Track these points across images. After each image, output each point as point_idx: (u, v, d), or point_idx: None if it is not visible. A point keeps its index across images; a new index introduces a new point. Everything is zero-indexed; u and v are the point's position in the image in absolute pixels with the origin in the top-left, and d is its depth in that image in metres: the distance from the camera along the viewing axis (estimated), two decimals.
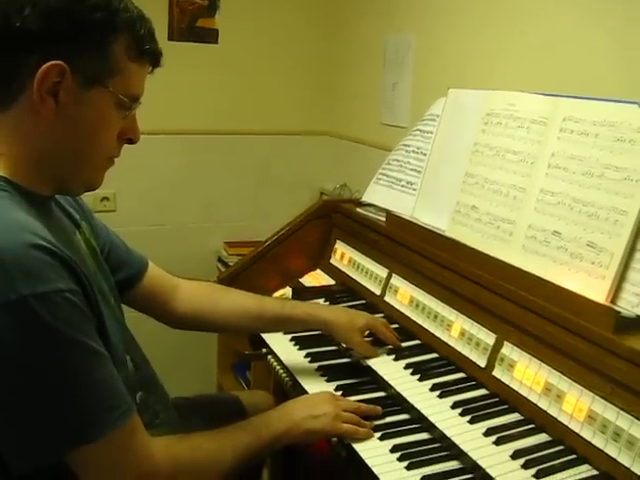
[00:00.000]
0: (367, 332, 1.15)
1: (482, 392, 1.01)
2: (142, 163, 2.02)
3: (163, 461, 0.74)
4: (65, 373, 0.64)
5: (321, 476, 1.33)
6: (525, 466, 0.83)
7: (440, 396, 1.01)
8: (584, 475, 0.80)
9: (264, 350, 1.27)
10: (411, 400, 1.01)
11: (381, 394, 1.08)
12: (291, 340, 1.28)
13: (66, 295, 0.64)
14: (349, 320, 1.12)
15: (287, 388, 1.14)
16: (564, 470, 0.81)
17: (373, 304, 1.33)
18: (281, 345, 1.26)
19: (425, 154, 1.34)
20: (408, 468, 0.87)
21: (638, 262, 0.88)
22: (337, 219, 1.53)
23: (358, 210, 1.48)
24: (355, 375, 1.13)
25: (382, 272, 1.35)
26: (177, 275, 1.09)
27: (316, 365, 1.18)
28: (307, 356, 1.22)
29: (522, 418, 0.94)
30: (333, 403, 0.96)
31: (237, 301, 1.09)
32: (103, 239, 0.94)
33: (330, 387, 1.09)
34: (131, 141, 0.76)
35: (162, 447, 0.75)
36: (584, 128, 0.99)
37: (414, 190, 1.36)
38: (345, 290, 1.42)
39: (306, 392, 1.06)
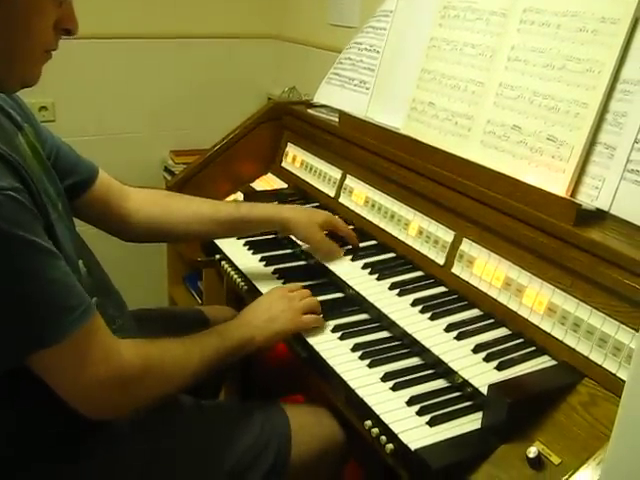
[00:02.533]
0: (326, 231, 1.10)
1: (441, 289, 0.99)
2: (82, 69, 1.87)
3: (133, 358, 0.72)
4: (17, 274, 0.59)
5: (280, 381, 1.31)
6: (487, 359, 0.81)
7: (399, 294, 0.98)
8: (543, 365, 0.79)
9: (217, 256, 1.22)
10: (370, 299, 0.98)
11: (339, 295, 1.06)
12: (245, 245, 1.23)
13: (9, 193, 0.59)
14: (308, 216, 1.07)
15: (242, 293, 1.11)
16: (524, 362, 0.80)
17: (327, 206, 1.27)
18: (235, 250, 1.20)
19: (378, 52, 1.27)
20: (370, 366, 0.85)
21: (598, 155, 0.85)
22: (288, 121, 1.45)
23: (309, 111, 1.41)
24: (312, 277, 1.09)
25: (336, 173, 1.30)
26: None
27: (272, 269, 1.14)
28: (262, 260, 1.17)
29: (482, 313, 0.91)
30: (287, 297, 0.94)
31: (191, 206, 1.04)
32: (49, 144, 0.87)
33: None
34: (69, 32, 0.68)
35: (130, 346, 0.73)
36: (545, 19, 0.93)
37: (367, 89, 1.29)
38: (298, 193, 1.36)
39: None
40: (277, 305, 0.93)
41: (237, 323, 0.90)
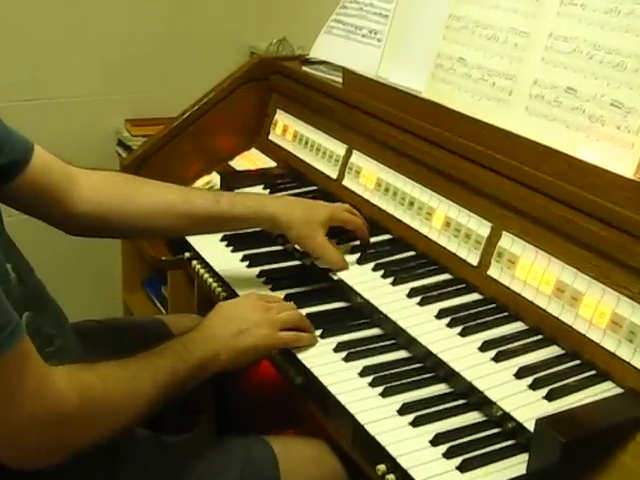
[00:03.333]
0: (328, 228, 1.11)
1: (474, 297, 1.00)
2: (10, 15, 1.83)
3: (67, 390, 0.71)
4: None
5: (266, 414, 1.29)
6: (533, 386, 0.81)
7: (421, 303, 0.98)
8: (606, 394, 0.78)
9: (187, 254, 1.23)
10: (383, 310, 0.98)
11: (344, 304, 1.07)
12: (223, 240, 1.24)
13: None
14: (306, 213, 1.08)
15: (219, 300, 1.11)
16: (581, 390, 0.79)
17: (328, 191, 1.30)
18: (210, 247, 1.22)
19: None
20: (383, 395, 0.85)
21: None
22: (277, 82, 1.47)
23: (305, 69, 1.46)
24: (310, 281, 1.11)
25: (339, 148, 1.31)
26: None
27: (257, 270, 1.15)
28: (245, 259, 1.19)
29: (527, 328, 0.92)
30: (262, 307, 0.96)
31: (156, 195, 1.05)
32: None
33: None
34: None
35: (63, 374, 0.72)
36: None
37: (379, 41, 1.30)
38: (290, 174, 1.38)
39: None
40: (250, 315, 0.94)
41: (197, 336, 0.91)
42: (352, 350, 0.94)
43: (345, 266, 1.09)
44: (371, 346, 0.96)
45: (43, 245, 1.12)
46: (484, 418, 0.81)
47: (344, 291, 1.08)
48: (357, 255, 1.12)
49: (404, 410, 0.82)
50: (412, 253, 1.12)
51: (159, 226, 1.06)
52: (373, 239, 1.16)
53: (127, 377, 0.80)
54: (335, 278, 1.09)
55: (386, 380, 0.87)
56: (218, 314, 0.95)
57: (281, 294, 1.08)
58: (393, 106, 1.18)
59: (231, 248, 1.22)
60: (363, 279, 1.06)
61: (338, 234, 1.13)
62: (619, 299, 0.82)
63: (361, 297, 1.03)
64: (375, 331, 1.00)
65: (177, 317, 1.30)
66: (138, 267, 2.13)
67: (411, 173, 1.16)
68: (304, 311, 1.03)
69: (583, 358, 0.84)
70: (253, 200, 1.09)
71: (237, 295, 1.08)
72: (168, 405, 0.85)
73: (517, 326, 0.92)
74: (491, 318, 0.94)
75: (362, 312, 1.04)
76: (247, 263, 1.18)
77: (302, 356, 0.94)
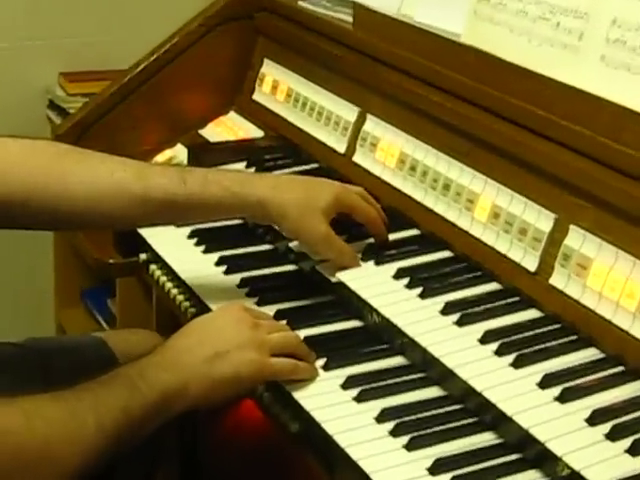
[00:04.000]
0: (333, 214, 1.13)
1: (532, 314, 1.00)
2: None
3: None
4: None
5: (247, 471, 1.31)
6: (612, 436, 0.80)
7: (460, 323, 0.99)
8: None
9: (143, 256, 1.26)
10: (409, 331, 0.99)
11: (355, 323, 1.08)
12: (191, 237, 1.25)
13: None
14: (305, 195, 1.10)
15: (187, 319, 1.12)
16: None
17: (333, 169, 1.32)
18: (174, 245, 1.23)
19: None
20: (409, 448, 0.86)
21: None
22: (264, 22, 1.53)
23: (302, 4, 1.48)
24: (307, 293, 1.12)
25: (348, 112, 1.32)
26: None
27: (237, 278, 1.16)
28: (221, 263, 1.19)
29: (603, 356, 0.92)
30: (248, 322, 0.98)
31: (100, 172, 1.07)
32: None
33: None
34: None
35: None
36: None
37: None
38: (282, 147, 1.40)
39: None
40: (231, 333, 0.96)
41: (159, 361, 0.92)
42: (366, 387, 0.94)
43: (353, 262, 1.12)
44: (392, 381, 0.96)
45: None
46: (546, 479, 0.81)
47: (355, 306, 1.09)
48: (372, 258, 1.12)
49: (437, 468, 0.82)
50: (447, 254, 1.13)
51: (102, 214, 1.07)
52: (394, 235, 1.16)
53: (61, 416, 0.81)
54: (343, 288, 1.10)
55: (413, 427, 0.87)
56: (187, 331, 0.97)
57: (270, 310, 1.09)
58: (421, 54, 1.20)
59: (202, 247, 1.23)
60: (381, 290, 1.07)
61: (346, 229, 1.14)
62: None
63: (378, 314, 1.04)
64: (397, 361, 1.01)
65: (122, 334, 1.32)
66: (76, 274, 2.14)
67: (446, 146, 1.16)
68: (301, 333, 1.04)
69: None
70: (232, 179, 1.10)
71: (209, 309, 1.10)
72: (118, 455, 0.86)
73: (590, 354, 0.93)
74: (555, 343, 0.94)
75: (379, 335, 1.05)
76: (224, 268, 1.18)
77: (299, 394, 0.94)
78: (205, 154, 1.41)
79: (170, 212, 1.10)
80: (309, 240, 1.11)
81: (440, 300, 1.03)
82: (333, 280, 1.12)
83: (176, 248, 1.23)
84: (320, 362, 1.00)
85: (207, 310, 1.11)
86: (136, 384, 0.88)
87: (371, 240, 1.16)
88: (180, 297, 1.16)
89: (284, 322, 1.05)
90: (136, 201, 1.06)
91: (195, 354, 0.93)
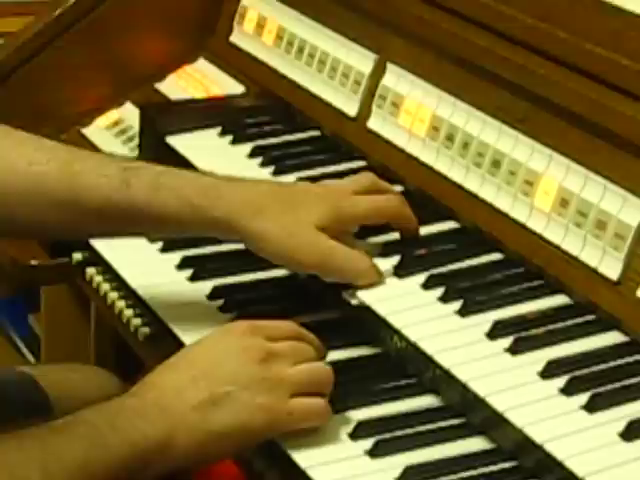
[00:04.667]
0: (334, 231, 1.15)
1: (615, 338, 1.01)
2: None
3: None
4: None
5: None
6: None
7: (514, 349, 1.00)
8: None
9: (78, 256, 1.29)
10: (444, 361, 1.00)
11: (370, 350, 1.10)
12: None
13: None
14: (290, 209, 1.14)
15: (137, 343, 1.17)
16: None
17: (340, 139, 1.34)
18: (120, 242, 1.24)
19: None
20: None
21: None
22: None
23: None
24: (305, 308, 1.15)
25: (361, 61, 1.33)
26: None
27: (207, 287, 1.19)
28: (185, 266, 1.23)
29: None
30: (260, 351, 0.98)
31: (14, 162, 1.09)
32: None
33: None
34: None
35: None
36: None
37: None
38: (269, 107, 1.46)
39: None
40: (235, 368, 0.96)
41: (134, 405, 0.93)
42: (384, 436, 0.95)
43: (374, 278, 1.12)
44: (419, 429, 0.97)
45: None
46: None
47: (371, 326, 1.11)
48: (393, 260, 1.15)
49: None
50: (496, 256, 1.15)
51: (13, 219, 1.09)
52: (425, 229, 1.18)
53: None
54: (354, 303, 1.11)
55: None
56: (176, 364, 0.98)
57: None
58: None
59: (159, 245, 1.24)
60: (405, 304, 1.09)
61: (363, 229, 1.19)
62: None
63: (401, 338, 1.05)
64: (427, 401, 1.02)
65: (58, 371, 1.32)
66: None
67: (496, 107, 1.18)
68: (304, 367, 1.03)
69: None
70: (194, 186, 1.13)
71: (173, 333, 1.11)
72: None
73: None
74: None
75: (403, 365, 1.06)
76: (188, 273, 1.20)
77: (301, 456, 0.94)
78: (164, 117, 1.41)
79: (108, 223, 1.13)
80: (306, 264, 1.13)
81: (486, 318, 1.05)
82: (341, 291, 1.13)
83: (124, 245, 1.23)
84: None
85: (165, 331, 1.12)
86: (102, 434, 0.89)
87: (393, 236, 1.19)
88: (128, 312, 1.17)
89: (311, 337, 1.05)
90: (60, 206, 1.09)
91: (185, 397, 0.94)
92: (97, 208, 1.10)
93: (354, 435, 0.96)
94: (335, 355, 1.08)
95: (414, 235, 1.19)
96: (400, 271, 1.15)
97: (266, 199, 1.15)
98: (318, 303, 1.16)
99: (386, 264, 1.15)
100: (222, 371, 0.96)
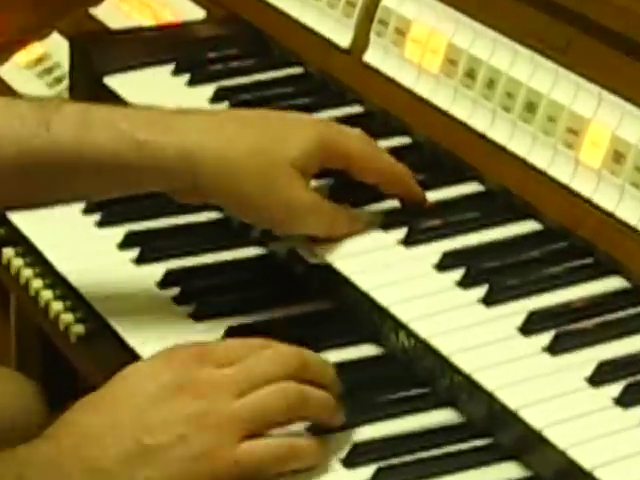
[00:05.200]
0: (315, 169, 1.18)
1: None
2: None
3: None
4: None
5: None
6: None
7: (554, 349, 1.01)
8: None
9: None
10: (465, 365, 1.01)
11: (369, 350, 1.13)
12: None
13: None
14: (262, 142, 1.16)
15: (69, 346, 1.18)
16: None
17: (327, 76, 1.36)
18: (45, 214, 1.24)
19: None
20: None
21: None
22: None
23: None
24: (283, 296, 1.17)
25: None
26: None
27: (158, 271, 1.20)
28: (129, 245, 1.23)
29: None
30: (205, 384, 0.97)
31: None
32: None
33: (210, 337, 1.12)
34: None
35: None
36: None
37: None
38: (237, 37, 1.46)
39: (136, 356, 1.08)
40: (170, 407, 0.95)
41: (46, 456, 0.93)
42: (389, 462, 0.96)
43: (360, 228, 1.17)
44: (435, 452, 0.98)
45: None
46: None
47: (369, 319, 1.13)
48: (398, 233, 1.17)
49: None
50: (531, 227, 1.17)
51: None
52: (438, 193, 1.21)
53: None
54: (347, 287, 1.13)
55: None
56: (98, 402, 0.98)
57: (217, 328, 1.12)
58: None
59: (97, 217, 1.26)
60: (414, 290, 1.10)
61: (352, 188, 1.19)
62: None
63: (409, 334, 1.07)
64: (444, 416, 1.03)
65: None
66: None
67: (531, 34, 1.19)
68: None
69: None
70: (135, 119, 1.15)
71: (112, 333, 1.11)
72: None
73: None
74: None
75: (412, 371, 1.08)
76: (134, 254, 1.21)
77: None
78: (101, 51, 1.39)
79: (28, 182, 1.14)
80: (278, 217, 1.15)
81: (519, 308, 1.05)
82: (333, 265, 1.14)
83: (49, 218, 1.24)
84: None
85: (104, 330, 1.13)
86: None
87: (392, 204, 1.21)
88: (57, 306, 1.17)
89: (297, 350, 1.03)
90: None
91: (107, 447, 0.93)
92: (12, 163, 1.11)
93: (349, 461, 0.97)
94: (329, 357, 1.09)
95: (418, 203, 1.21)
96: (407, 247, 1.16)
97: (230, 131, 1.16)
98: (304, 290, 1.17)
99: (388, 239, 1.16)
100: (152, 415, 0.95)
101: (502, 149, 1.21)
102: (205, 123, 1.16)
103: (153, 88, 1.45)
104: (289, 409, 0.97)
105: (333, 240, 1.18)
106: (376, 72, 1.32)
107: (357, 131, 1.20)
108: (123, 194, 1.23)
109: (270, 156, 1.14)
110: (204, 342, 1.05)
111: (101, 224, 1.25)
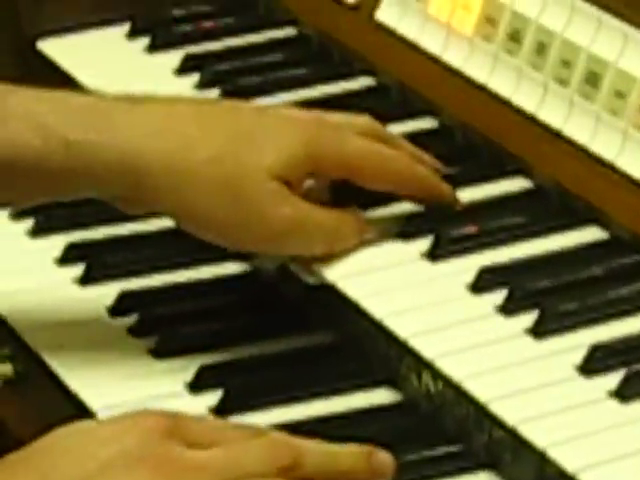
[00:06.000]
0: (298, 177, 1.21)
1: None
2: None
3: None
4: None
5: None
6: None
7: (624, 394, 1.02)
8: None
9: None
10: (505, 415, 1.02)
11: (385, 395, 1.14)
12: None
13: None
14: (230, 144, 1.20)
15: None
16: None
17: (332, 39, 1.38)
18: None
19: None
20: None
21: None
22: None
23: None
24: (271, 325, 1.19)
25: None
26: None
27: (109, 293, 1.21)
28: (71, 260, 1.26)
29: None
30: (172, 462, 0.95)
31: None
32: None
33: (176, 379, 1.14)
34: None
35: None
36: None
37: None
38: None
39: (79, 404, 1.10)
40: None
41: None
42: None
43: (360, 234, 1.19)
44: None
45: None
46: None
47: (385, 356, 1.15)
48: (421, 244, 1.19)
49: None
50: (595, 235, 1.19)
51: None
52: (475, 191, 1.23)
53: None
54: (354, 313, 1.15)
55: None
56: (31, 460, 0.96)
57: (186, 367, 1.14)
58: None
59: (29, 224, 1.28)
60: (441, 319, 1.12)
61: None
62: None
63: (437, 375, 1.09)
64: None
65: None
66: None
67: None
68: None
69: None
70: (67, 110, 1.18)
71: (49, 376, 1.13)
72: None
73: None
74: None
75: (440, 422, 1.10)
76: (77, 271, 1.23)
77: None
78: (33, 7, 1.41)
79: None
80: (250, 238, 1.18)
81: (578, 341, 1.08)
82: (336, 286, 1.16)
83: None
84: None
85: (39, 372, 1.14)
86: None
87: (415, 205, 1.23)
88: None
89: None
90: None
91: None
92: None
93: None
94: (332, 406, 1.11)
95: (450, 204, 1.23)
96: (433, 262, 1.17)
97: (187, 128, 1.19)
98: (298, 318, 1.19)
99: (409, 251, 1.17)
100: None
101: (556, 134, 1.22)
102: (155, 120, 1.19)
103: (101, 56, 1.46)
104: None
105: (336, 254, 1.18)
106: (392, 34, 1.33)
107: (362, 120, 1.22)
108: (49, 200, 1.25)
109: (237, 164, 1.17)
110: (179, 412, 1.03)
111: (35, 233, 1.27)
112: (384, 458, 1.01)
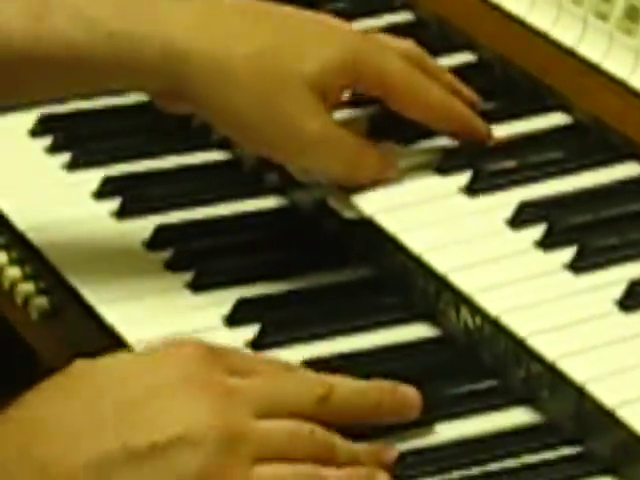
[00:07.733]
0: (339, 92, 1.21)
1: None
2: None
3: None
4: None
5: None
6: None
7: None
8: None
9: None
10: (547, 351, 1.02)
11: (425, 331, 1.14)
12: (39, 132, 1.32)
13: None
14: (271, 48, 1.19)
15: (28, 324, 1.20)
16: None
17: None
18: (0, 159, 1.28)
19: None
20: None
21: None
22: None
23: None
24: (310, 261, 1.19)
25: None
26: None
27: (147, 227, 1.22)
28: (107, 194, 1.25)
29: None
30: (217, 385, 0.98)
31: None
32: None
33: (213, 312, 1.14)
34: None
35: None
36: None
37: None
38: None
39: (115, 336, 1.10)
40: (166, 408, 0.95)
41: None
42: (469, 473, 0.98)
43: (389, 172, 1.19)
44: (510, 463, 0.99)
45: None
46: None
47: (424, 293, 1.14)
48: (459, 179, 1.18)
49: None
50: (635, 170, 1.18)
51: None
52: (515, 126, 1.23)
53: None
54: (394, 250, 1.14)
55: None
56: (76, 388, 0.97)
57: (224, 300, 1.15)
58: None
59: (65, 158, 1.27)
60: (479, 254, 1.13)
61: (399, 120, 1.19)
62: None
63: (476, 311, 1.09)
64: (519, 417, 1.05)
65: None
66: None
67: None
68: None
69: None
70: (107, 2, 1.18)
71: (86, 310, 1.14)
72: None
73: None
74: None
75: (477, 358, 1.10)
76: (114, 204, 1.23)
77: None
78: None
79: None
80: (278, 143, 1.18)
81: (617, 276, 1.08)
82: (374, 221, 1.16)
83: (3, 160, 1.27)
84: None
85: (76, 305, 1.14)
86: None
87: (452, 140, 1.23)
88: (12, 272, 1.18)
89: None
90: None
91: (75, 446, 0.92)
92: None
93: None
94: (370, 340, 1.10)
95: (482, 140, 1.22)
96: (471, 197, 1.17)
97: (230, 24, 1.20)
98: (336, 252, 1.19)
99: (447, 186, 1.17)
100: (147, 412, 0.95)
101: (595, 68, 1.21)
102: (199, 12, 1.18)
103: None
104: (314, 458, 0.98)
105: (374, 188, 1.18)
106: None
107: (406, 45, 1.21)
108: (90, 93, 1.27)
109: (277, 66, 1.16)
110: (216, 344, 1.04)
111: (71, 167, 1.26)
112: (409, 393, 1.03)
